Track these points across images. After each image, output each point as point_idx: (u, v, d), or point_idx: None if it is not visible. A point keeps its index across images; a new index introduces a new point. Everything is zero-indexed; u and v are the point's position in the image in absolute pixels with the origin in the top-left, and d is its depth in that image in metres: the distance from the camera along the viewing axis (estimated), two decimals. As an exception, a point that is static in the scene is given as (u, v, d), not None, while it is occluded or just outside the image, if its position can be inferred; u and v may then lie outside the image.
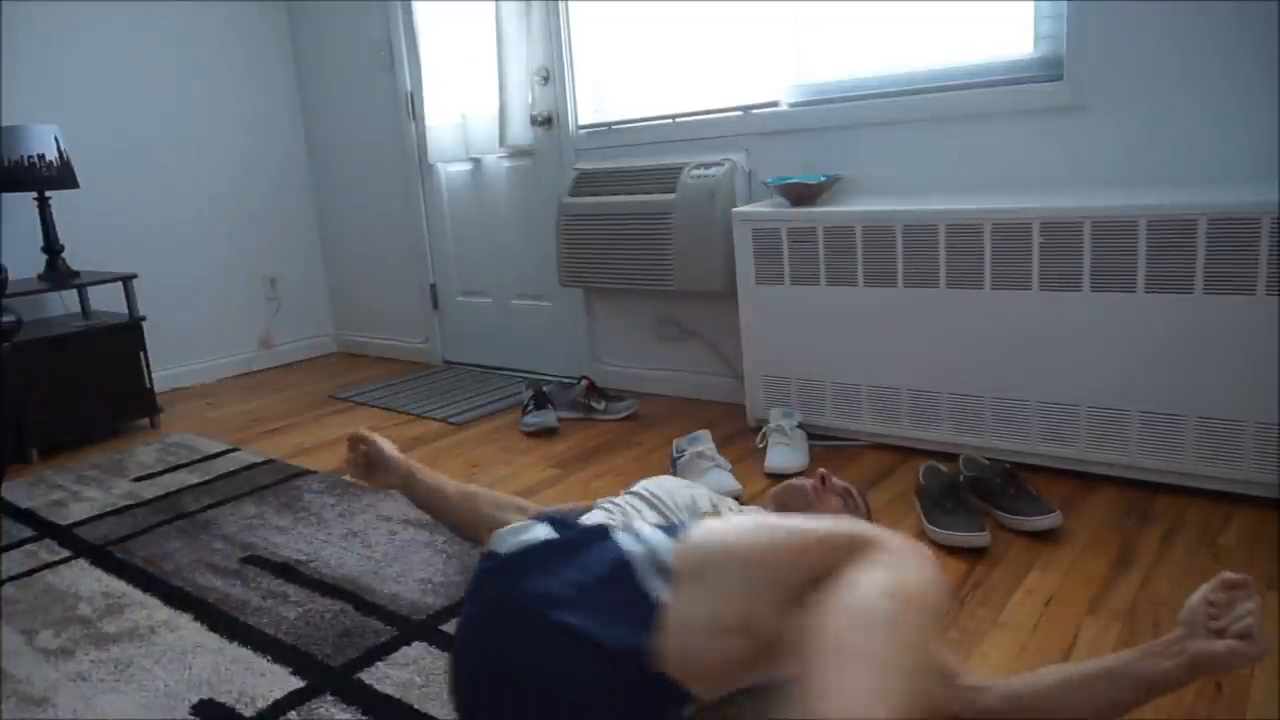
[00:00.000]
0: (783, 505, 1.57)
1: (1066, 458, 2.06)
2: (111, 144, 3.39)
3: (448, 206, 3.59)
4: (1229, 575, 1.05)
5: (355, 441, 1.73)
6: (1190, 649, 1.03)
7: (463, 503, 1.67)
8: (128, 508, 2.31)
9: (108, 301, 3.18)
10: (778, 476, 2.19)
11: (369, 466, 1.73)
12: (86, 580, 1.90)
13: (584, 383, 2.85)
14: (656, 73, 2.88)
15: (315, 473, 2.48)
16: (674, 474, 2.22)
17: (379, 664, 1.50)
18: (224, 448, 2.77)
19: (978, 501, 1.91)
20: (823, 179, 2.38)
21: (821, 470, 1.62)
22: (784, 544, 1.02)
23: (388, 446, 1.73)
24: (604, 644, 1.01)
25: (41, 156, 2.90)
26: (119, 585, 1.86)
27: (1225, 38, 1.94)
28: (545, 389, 2.84)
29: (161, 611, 1.74)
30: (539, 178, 3.21)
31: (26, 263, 3.10)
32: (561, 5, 2.98)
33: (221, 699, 1.41)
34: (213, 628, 1.66)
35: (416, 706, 1.37)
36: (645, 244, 2.77)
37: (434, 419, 2.97)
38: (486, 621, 1.09)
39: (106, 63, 3.36)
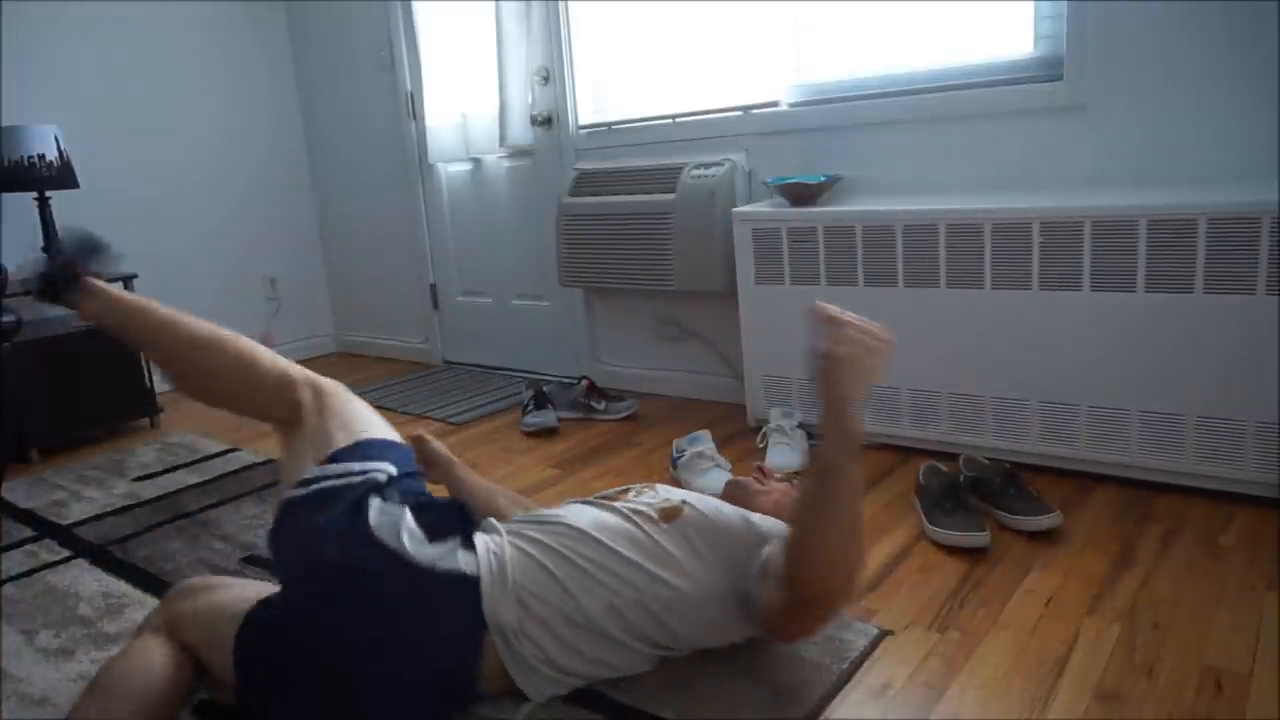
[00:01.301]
0: (731, 500, 1.60)
1: (1066, 458, 2.06)
2: (111, 144, 3.38)
3: (448, 206, 3.59)
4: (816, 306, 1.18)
5: (415, 441, 1.81)
6: (817, 391, 1.16)
7: (486, 499, 1.75)
8: (128, 508, 2.31)
9: (108, 301, 3.18)
10: (778, 476, 2.18)
11: (426, 464, 1.82)
12: (86, 580, 1.90)
13: (584, 383, 2.85)
14: (656, 73, 2.88)
15: (315, 473, 2.48)
16: (674, 474, 2.23)
17: (379, 664, 1.49)
18: (224, 448, 2.77)
19: (978, 501, 1.91)
20: (823, 179, 2.38)
21: (759, 464, 1.70)
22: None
23: (437, 447, 1.82)
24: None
25: (41, 156, 2.90)
26: (119, 585, 1.86)
27: (1225, 38, 1.94)
28: (545, 389, 2.84)
29: (161, 611, 1.74)
30: (539, 178, 3.21)
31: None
32: (561, 5, 2.98)
33: (222, 699, 1.41)
34: (213, 628, 1.66)
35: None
36: (645, 244, 2.77)
37: (434, 419, 2.97)
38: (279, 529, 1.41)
39: (107, 63, 3.36)
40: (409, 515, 1.33)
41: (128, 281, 3.01)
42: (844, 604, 1.27)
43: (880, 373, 1.18)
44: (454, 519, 1.38)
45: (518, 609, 1.27)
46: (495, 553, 1.33)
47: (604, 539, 1.34)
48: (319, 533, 1.29)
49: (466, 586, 1.28)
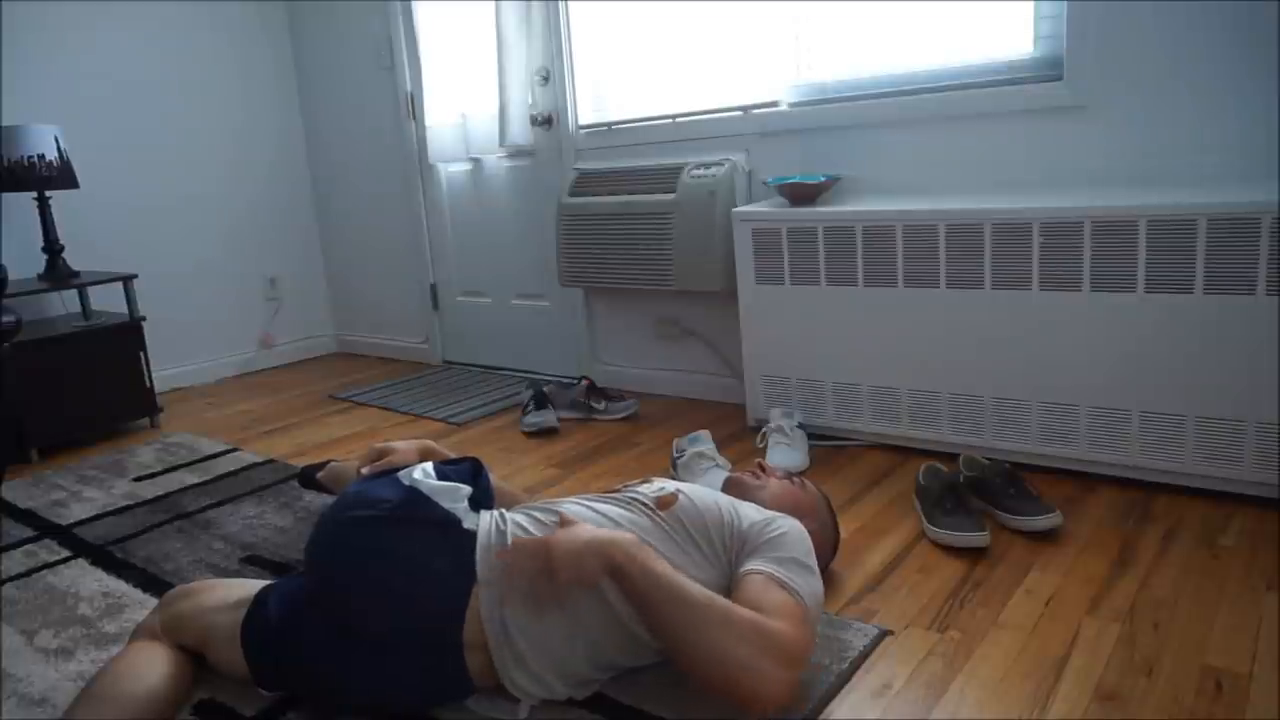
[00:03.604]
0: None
1: (1066, 458, 2.06)
2: (111, 144, 3.38)
3: (448, 206, 3.59)
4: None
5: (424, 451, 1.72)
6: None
7: (505, 497, 1.74)
8: (128, 508, 2.31)
9: (108, 301, 3.18)
10: (778, 476, 2.18)
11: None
12: (86, 580, 1.90)
13: (584, 383, 2.85)
14: (656, 73, 2.88)
15: (315, 473, 2.48)
16: (674, 474, 2.23)
17: (379, 664, 1.49)
18: (224, 448, 2.77)
19: (978, 501, 1.91)
20: (823, 179, 2.38)
21: (759, 460, 1.71)
22: None
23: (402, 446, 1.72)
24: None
25: (41, 156, 2.90)
26: (119, 585, 1.86)
27: (1225, 38, 1.94)
28: (545, 389, 2.84)
29: (161, 611, 1.73)
30: (539, 178, 3.21)
31: (26, 263, 3.10)
32: (561, 5, 2.98)
33: (222, 699, 1.41)
34: (213, 628, 1.66)
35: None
36: (645, 244, 2.77)
37: (434, 419, 2.97)
38: (324, 519, 1.42)
39: (106, 63, 3.36)
40: (430, 466, 1.46)
41: (127, 281, 3.01)
42: (775, 682, 1.17)
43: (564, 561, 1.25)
44: (467, 471, 1.48)
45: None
46: (498, 522, 1.39)
47: (608, 517, 1.40)
48: (348, 492, 1.43)
49: (464, 535, 1.35)
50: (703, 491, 1.50)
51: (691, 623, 1.19)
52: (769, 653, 1.17)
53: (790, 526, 1.40)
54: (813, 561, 1.37)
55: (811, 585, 1.32)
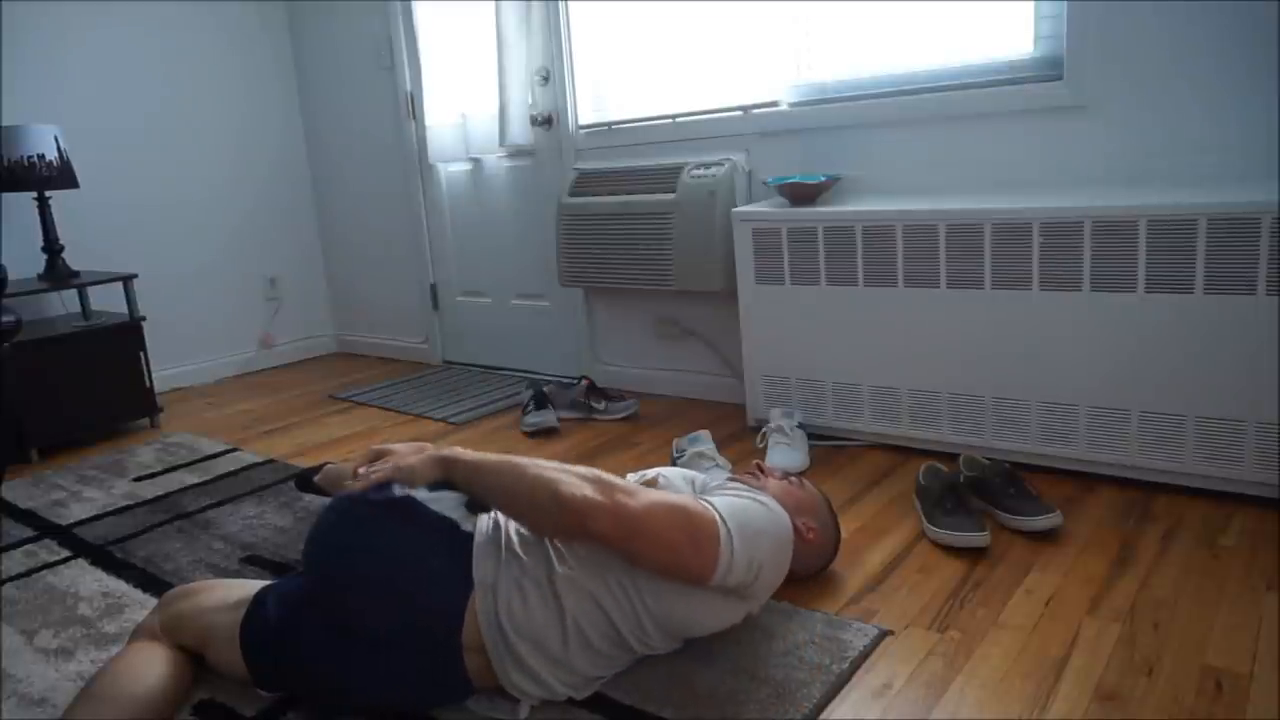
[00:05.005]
0: None
1: (1066, 458, 2.06)
2: (111, 144, 3.38)
3: (448, 206, 3.59)
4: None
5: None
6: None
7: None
8: (128, 508, 2.31)
9: (108, 301, 3.18)
10: (778, 476, 2.19)
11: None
12: (86, 580, 1.90)
13: (584, 383, 2.85)
14: (656, 73, 2.88)
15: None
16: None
17: (379, 664, 1.49)
18: (224, 448, 2.77)
19: (978, 501, 1.91)
20: (823, 179, 2.38)
21: (756, 461, 1.72)
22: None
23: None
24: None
25: (41, 156, 2.89)
26: (119, 585, 1.86)
27: (1225, 38, 1.94)
28: (545, 389, 2.84)
29: (161, 611, 1.73)
30: (539, 178, 3.21)
31: (26, 263, 3.10)
32: (561, 5, 2.98)
33: (221, 699, 1.41)
34: (213, 628, 1.66)
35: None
36: (645, 244, 2.77)
37: (434, 419, 2.97)
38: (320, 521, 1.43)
39: (107, 63, 3.36)
40: None
41: (127, 281, 3.01)
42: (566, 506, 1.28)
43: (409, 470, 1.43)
44: None
45: (504, 570, 1.32)
46: (495, 525, 1.39)
47: None
48: (345, 497, 1.45)
49: (459, 537, 1.36)
50: (678, 472, 1.60)
51: (513, 473, 1.32)
52: (588, 480, 1.28)
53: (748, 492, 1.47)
54: (751, 513, 1.41)
55: (735, 510, 1.37)
